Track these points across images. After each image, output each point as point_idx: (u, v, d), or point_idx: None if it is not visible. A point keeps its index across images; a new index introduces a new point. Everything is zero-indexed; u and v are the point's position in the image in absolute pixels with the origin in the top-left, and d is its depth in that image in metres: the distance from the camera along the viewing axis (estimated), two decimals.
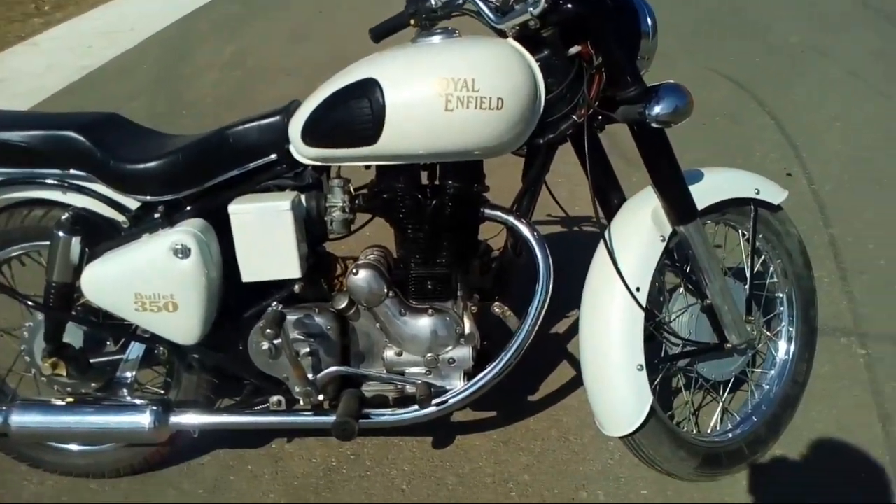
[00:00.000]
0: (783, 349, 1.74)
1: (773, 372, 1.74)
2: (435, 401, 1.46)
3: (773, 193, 1.63)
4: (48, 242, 1.43)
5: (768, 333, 1.73)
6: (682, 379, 1.69)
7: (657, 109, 1.28)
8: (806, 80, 3.92)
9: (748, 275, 1.61)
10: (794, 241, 1.70)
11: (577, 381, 1.91)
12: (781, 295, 1.74)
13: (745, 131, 3.39)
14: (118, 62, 4.73)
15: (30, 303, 1.46)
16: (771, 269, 1.72)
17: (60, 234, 1.39)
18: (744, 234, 1.64)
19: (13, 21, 5.80)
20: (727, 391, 1.71)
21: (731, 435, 1.67)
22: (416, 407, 1.46)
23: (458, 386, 1.49)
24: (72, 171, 1.42)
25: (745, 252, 1.63)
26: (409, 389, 1.50)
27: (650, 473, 1.66)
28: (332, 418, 1.43)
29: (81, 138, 1.39)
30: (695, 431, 1.69)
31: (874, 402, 1.87)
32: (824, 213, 2.74)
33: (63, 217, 1.40)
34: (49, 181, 1.44)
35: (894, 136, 3.25)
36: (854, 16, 4.93)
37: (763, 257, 1.71)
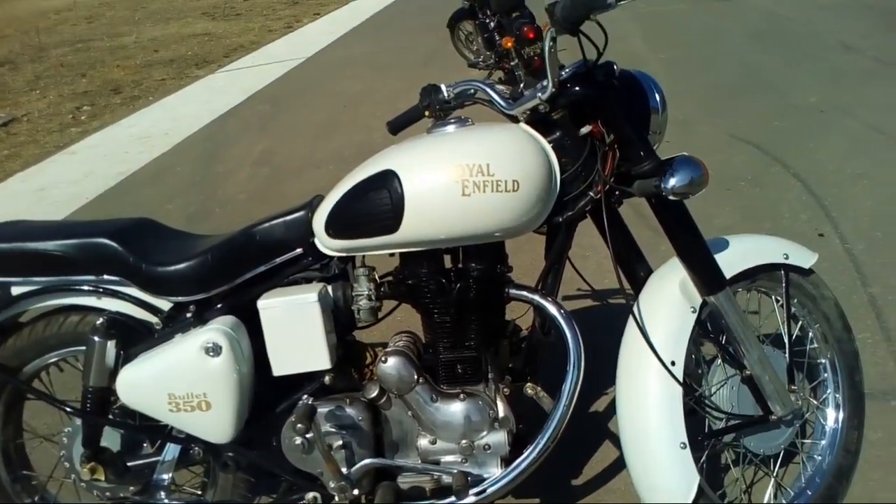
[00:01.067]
0: (832, 417, 1.68)
1: (823, 442, 1.67)
2: (473, 490, 1.42)
3: (803, 257, 1.61)
4: (84, 347, 1.47)
5: (815, 402, 1.67)
6: (730, 454, 1.63)
7: (673, 182, 1.30)
8: (828, 138, 3.92)
9: (786, 342, 1.57)
10: (831, 305, 1.66)
11: (620, 463, 1.84)
12: (824, 361, 1.69)
13: (770, 195, 3.38)
14: (153, 166, 4.92)
15: (67, 409, 1.48)
16: (810, 334, 1.68)
17: (96, 338, 1.43)
18: (777, 301, 1.62)
19: (52, 132, 6.11)
20: (778, 465, 1.64)
21: None
22: (453, 498, 1.42)
23: (495, 473, 1.46)
24: (105, 277, 1.47)
25: (780, 319, 1.60)
26: (446, 479, 1.47)
27: None
28: None
29: (114, 244, 1.44)
30: None
31: None
32: (861, 273, 2.68)
33: (98, 322, 1.44)
34: (84, 287, 1.48)
35: None
36: (871, 71, 4.96)
37: (801, 323, 1.67)
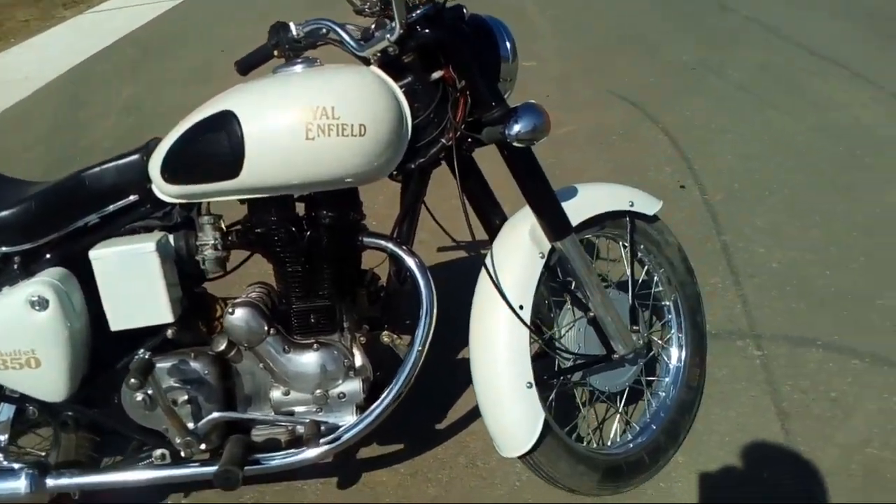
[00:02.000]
0: (675, 356, 1.78)
1: (667, 379, 1.78)
2: (326, 438, 1.42)
3: (648, 205, 1.67)
4: None
5: (659, 341, 1.77)
6: (583, 395, 1.70)
7: (516, 128, 1.30)
8: (697, 96, 4.08)
9: (630, 285, 1.64)
10: (674, 250, 1.75)
11: None
12: (668, 303, 1.78)
13: (639, 148, 3.50)
14: (11, 112, 4.56)
15: None
16: (655, 278, 1.76)
17: None
18: (624, 246, 1.68)
19: None
20: (623, 401, 1.73)
21: (630, 445, 1.69)
22: (304, 448, 1.42)
23: (350, 420, 1.45)
24: None
25: (626, 263, 1.67)
26: (300, 430, 1.46)
27: (557, 494, 1.65)
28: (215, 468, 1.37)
29: None
30: (595, 445, 1.70)
31: (772, 402, 1.92)
32: (716, 222, 2.83)
33: None
34: None
35: (782, 145, 3.40)
36: (743, 30, 5.18)
37: (646, 267, 1.75)
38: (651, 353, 1.74)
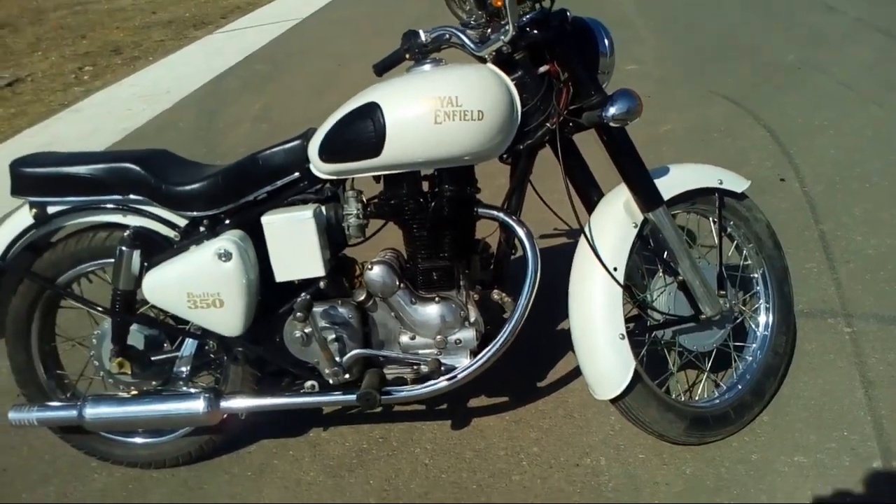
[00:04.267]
0: (762, 323, 1.93)
1: (754, 345, 1.93)
2: (445, 376, 1.68)
3: (737, 183, 1.84)
4: (112, 260, 1.71)
5: (744, 308, 1.93)
6: (675, 359, 1.88)
7: (612, 111, 1.53)
8: (800, 94, 4.11)
9: (719, 255, 1.81)
10: (763, 226, 1.90)
11: (579, 369, 2.11)
12: (756, 275, 1.93)
13: (740, 144, 3.59)
14: (156, 122, 5.12)
15: (99, 308, 1.74)
16: (744, 252, 1.92)
17: (123, 248, 1.67)
18: (714, 221, 1.85)
19: (56, 91, 6.30)
20: (710, 361, 1.90)
21: (717, 401, 1.85)
22: (429, 381, 1.68)
23: (465, 363, 1.71)
24: (130, 196, 1.71)
25: (715, 236, 1.84)
26: (424, 369, 1.73)
27: (647, 440, 1.85)
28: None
29: (137, 167, 1.68)
30: (683, 398, 1.88)
31: (858, 372, 2.02)
32: (815, 212, 2.91)
33: (125, 234, 1.68)
34: (110, 206, 1.72)
35: (883, 139, 3.42)
36: (850, 31, 5.13)
37: (735, 242, 1.92)
38: (739, 320, 1.90)
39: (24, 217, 1.75)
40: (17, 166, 1.72)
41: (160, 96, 5.73)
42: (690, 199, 1.79)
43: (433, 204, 1.67)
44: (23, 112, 5.80)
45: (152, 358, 1.81)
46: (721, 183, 1.81)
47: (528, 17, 1.60)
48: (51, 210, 1.73)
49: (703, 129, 3.80)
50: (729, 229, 1.89)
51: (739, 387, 1.87)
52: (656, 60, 5.04)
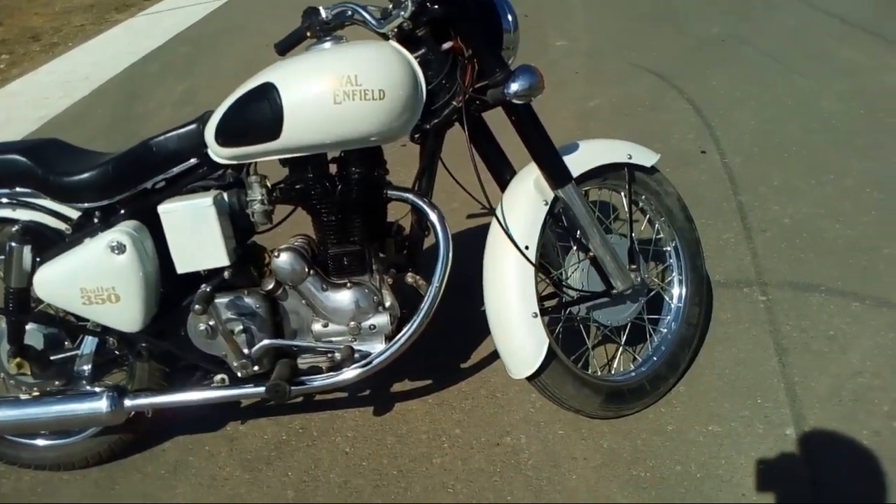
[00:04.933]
0: (675, 295, 1.95)
1: (668, 317, 1.95)
2: (359, 363, 1.65)
3: (646, 157, 1.85)
4: (3, 256, 1.62)
5: (658, 281, 1.95)
6: (592, 334, 1.89)
7: (514, 87, 1.50)
8: (724, 66, 4.18)
9: (630, 229, 1.82)
10: (674, 199, 1.92)
11: None
12: (668, 248, 1.95)
13: (663, 118, 3.63)
14: (74, 110, 4.91)
15: None
16: (656, 225, 1.94)
17: (13, 244, 1.58)
18: (625, 196, 1.86)
19: None
20: (625, 335, 1.91)
21: (633, 374, 1.87)
22: (343, 369, 1.65)
23: (380, 348, 1.68)
24: (18, 189, 1.62)
25: (626, 210, 1.85)
26: (337, 357, 1.69)
27: (566, 416, 1.86)
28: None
29: (23, 159, 1.59)
30: (599, 374, 1.89)
31: (772, 340, 2.07)
32: (734, 183, 2.97)
33: (14, 229, 1.59)
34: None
35: (804, 109, 3.50)
36: (775, 3, 5.22)
37: (648, 216, 1.93)
38: (652, 293, 1.92)
39: None
40: None
41: (79, 83, 5.49)
42: (601, 174, 1.79)
43: (340, 187, 1.63)
44: None
45: (52, 357, 1.72)
46: (630, 157, 1.81)
47: None
48: None
49: (629, 103, 3.83)
50: (640, 203, 1.90)
51: (654, 359, 1.90)
52: (586, 35, 5.05)
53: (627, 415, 1.84)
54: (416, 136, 1.64)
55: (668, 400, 1.89)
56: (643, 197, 1.88)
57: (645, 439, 1.78)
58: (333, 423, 1.94)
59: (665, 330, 1.94)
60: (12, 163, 1.59)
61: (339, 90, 1.46)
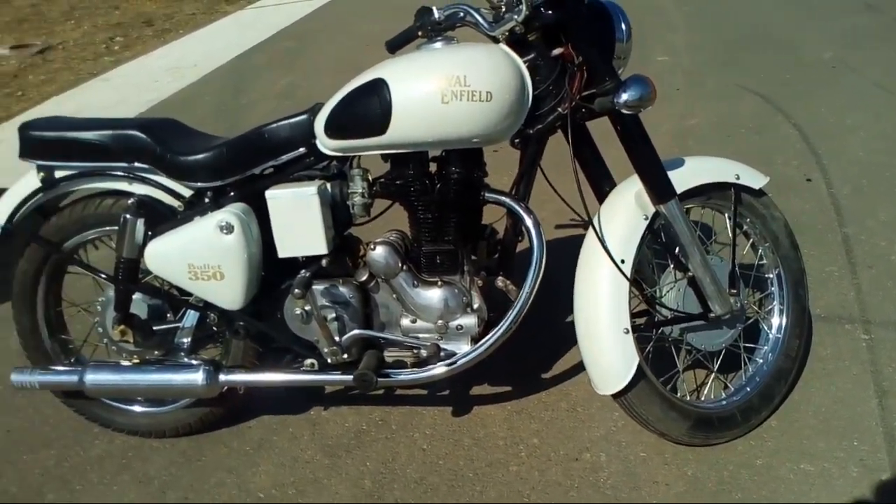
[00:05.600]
0: (775, 325, 1.87)
1: (766, 347, 1.87)
2: (444, 361, 1.66)
3: (754, 179, 1.78)
4: (117, 227, 1.71)
5: (757, 309, 1.87)
6: (684, 358, 1.83)
7: (624, 97, 1.48)
8: (834, 93, 4.00)
9: (732, 252, 1.76)
10: (780, 225, 1.84)
11: None
12: (771, 275, 1.88)
13: (768, 142, 3.51)
14: (182, 95, 5.15)
15: (103, 276, 1.74)
16: (760, 251, 1.87)
17: (128, 216, 1.67)
18: (729, 218, 1.80)
19: (86, 60, 6.36)
20: (719, 361, 1.85)
21: (724, 402, 1.81)
22: (428, 366, 1.66)
23: (465, 349, 1.68)
24: (136, 164, 1.70)
25: (729, 233, 1.79)
26: (423, 354, 1.70)
27: (650, 438, 1.81)
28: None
29: (143, 135, 1.67)
30: (690, 398, 1.83)
31: (872, 381, 1.96)
32: (840, 215, 2.83)
33: (130, 202, 1.68)
34: (117, 173, 1.72)
35: None
36: (889, 33, 4.98)
37: (751, 240, 1.86)
38: (750, 320, 1.84)
39: (32, 181, 1.75)
40: (25, 129, 1.72)
41: (187, 69, 5.75)
42: (706, 193, 1.74)
43: (439, 186, 1.64)
44: (52, 79, 5.87)
45: (154, 327, 1.80)
46: (738, 178, 1.75)
47: None
48: (58, 174, 1.73)
49: (731, 124, 3.72)
50: (745, 226, 1.83)
51: (748, 389, 1.83)
52: (688, 51, 4.94)
53: (715, 444, 1.78)
54: (516, 140, 1.64)
55: (759, 433, 1.81)
56: (748, 220, 1.82)
57: (732, 471, 1.72)
58: (412, 419, 1.96)
59: (761, 360, 1.86)
60: (133, 138, 1.68)
61: (447, 90, 1.47)
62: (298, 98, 4.76)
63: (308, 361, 1.73)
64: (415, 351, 1.71)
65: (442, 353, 1.68)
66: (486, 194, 1.67)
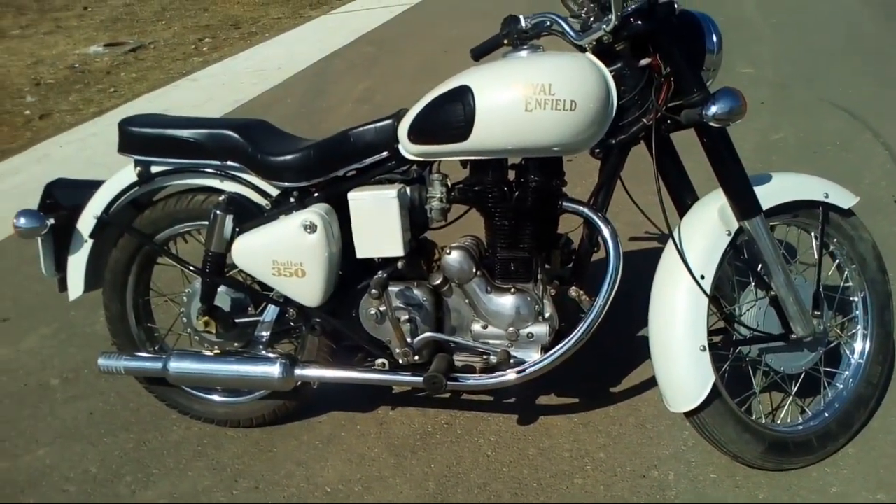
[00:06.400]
0: (857, 350, 1.80)
1: (847, 372, 1.80)
2: (514, 368, 1.66)
3: (844, 198, 1.72)
4: (207, 222, 1.79)
5: (840, 332, 1.81)
6: (760, 379, 1.78)
7: (714, 110, 1.45)
8: None
9: (818, 273, 1.70)
10: (868, 246, 1.77)
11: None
12: (856, 298, 1.81)
13: (855, 160, 3.37)
14: (265, 97, 5.32)
15: (191, 268, 1.82)
16: (846, 272, 1.80)
17: (218, 212, 1.74)
18: (815, 237, 1.74)
19: (176, 60, 6.65)
20: (797, 385, 1.79)
21: (801, 427, 1.75)
22: (497, 373, 1.67)
23: (535, 358, 1.69)
24: (228, 163, 1.78)
25: (816, 252, 1.73)
26: (493, 360, 1.71)
27: (721, 460, 1.77)
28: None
29: (236, 135, 1.75)
30: (765, 421, 1.78)
31: None
32: None
33: (220, 199, 1.75)
34: (209, 170, 1.80)
35: None
36: None
37: (837, 261, 1.80)
38: (832, 344, 1.78)
39: (128, 174, 1.85)
40: (124, 125, 1.82)
41: (272, 72, 5.94)
42: (792, 210, 1.69)
43: (517, 193, 1.65)
44: (143, 77, 6.16)
45: (236, 320, 1.88)
46: (827, 196, 1.70)
47: (632, 6, 1.54)
48: (154, 169, 1.83)
49: (817, 140, 3.60)
50: (831, 247, 1.77)
51: (826, 415, 1.76)
52: (774, 63, 4.80)
53: (789, 469, 1.72)
54: (597, 150, 1.64)
55: (835, 460, 1.75)
56: (835, 240, 1.75)
57: (805, 497, 1.66)
58: (477, 424, 1.97)
59: (841, 385, 1.79)
60: (226, 138, 1.76)
61: (531, 98, 1.48)
62: (375, 103, 4.85)
63: (379, 361, 1.77)
64: (484, 357, 1.73)
65: (511, 361, 1.69)
66: (564, 203, 1.68)
